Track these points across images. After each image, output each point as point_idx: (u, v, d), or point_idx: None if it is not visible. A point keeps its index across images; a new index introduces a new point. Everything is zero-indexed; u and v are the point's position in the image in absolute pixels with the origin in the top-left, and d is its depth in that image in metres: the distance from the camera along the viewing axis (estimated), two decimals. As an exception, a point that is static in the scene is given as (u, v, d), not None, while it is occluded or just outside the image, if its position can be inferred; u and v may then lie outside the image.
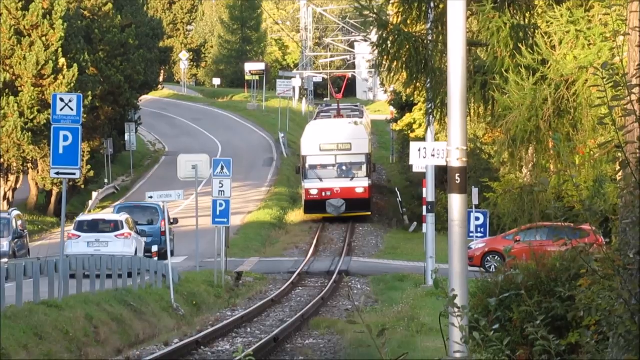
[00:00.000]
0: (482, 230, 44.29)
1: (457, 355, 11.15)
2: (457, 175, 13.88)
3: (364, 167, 57.45)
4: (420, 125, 66.08)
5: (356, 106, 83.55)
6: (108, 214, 50.25)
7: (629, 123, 7.58)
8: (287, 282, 39.45)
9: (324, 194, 57.17)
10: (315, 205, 58.62)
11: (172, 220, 44.50)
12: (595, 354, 6.38)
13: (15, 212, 45.69)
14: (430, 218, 39.83)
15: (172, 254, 38.98)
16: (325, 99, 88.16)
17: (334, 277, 39.20)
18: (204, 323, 26.54)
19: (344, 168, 58.74)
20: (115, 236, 41.76)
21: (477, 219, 43.59)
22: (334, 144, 58.97)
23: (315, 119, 77.10)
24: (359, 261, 49.87)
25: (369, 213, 58.43)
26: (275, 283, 41.80)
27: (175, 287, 33.39)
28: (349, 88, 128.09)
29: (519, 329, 13.71)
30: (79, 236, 38.80)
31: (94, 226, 43.34)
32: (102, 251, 38.85)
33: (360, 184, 56.94)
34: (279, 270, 45.39)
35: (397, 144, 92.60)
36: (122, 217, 43.90)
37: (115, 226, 42.50)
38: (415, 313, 28.30)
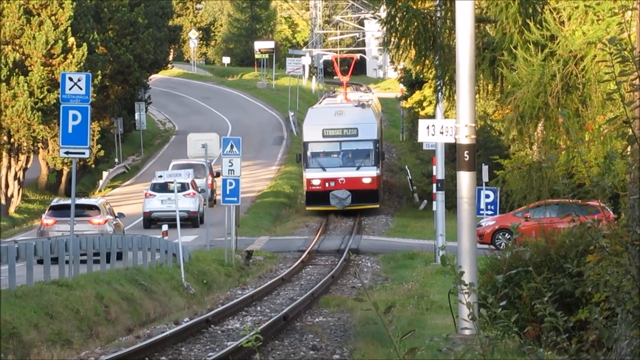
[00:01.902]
0: (493, 207, 44.03)
1: (466, 332, 11.18)
2: (465, 152, 13.87)
3: (372, 154, 51.54)
4: (430, 103, 65.24)
5: (361, 85, 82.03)
6: (180, 176, 51.71)
7: (637, 98, 7.54)
8: (297, 260, 39.41)
9: (327, 184, 51.59)
10: (317, 197, 53.15)
11: (215, 174, 54.81)
12: (603, 330, 6.34)
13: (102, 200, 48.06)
14: (440, 196, 39.67)
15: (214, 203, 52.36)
16: (334, 77, 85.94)
17: (344, 255, 39.17)
18: (214, 302, 26.56)
19: (350, 156, 52.89)
20: (184, 195, 49.17)
21: (488, 196, 43.33)
22: (338, 129, 53.25)
23: (320, 102, 72.54)
24: (369, 239, 49.76)
25: (378, 205, 53.46)
26: (285, 261, 41.77)
27: (185, 266, 33.44)
28: (359, 66, 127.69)
29: (528, 306, 13.70)
30: (154, 195, 41.19)
31: (165, 187, 50.06)
32: (173, 207, 43.82)
33: (367, 173, 51.40)
34: (289, 249, 45.35)
35: (407, 121, 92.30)
36: (189, 179, 50.80)
37: (183, 187, 48.74)
38: (425, 291, 28.30)
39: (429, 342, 8.07)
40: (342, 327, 19.20)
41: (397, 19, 24.22)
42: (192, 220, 50.55)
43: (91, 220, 40.58)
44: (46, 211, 44.27)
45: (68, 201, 47.52)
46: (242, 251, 43.18)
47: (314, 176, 51.28)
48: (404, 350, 6.37)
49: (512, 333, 10.42)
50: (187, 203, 50.15)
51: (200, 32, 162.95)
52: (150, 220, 50.19)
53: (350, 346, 14.82)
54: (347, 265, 37.27)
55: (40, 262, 25.60)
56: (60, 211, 41.30)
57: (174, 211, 41.72)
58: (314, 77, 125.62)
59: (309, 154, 51.42)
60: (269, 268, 40.09)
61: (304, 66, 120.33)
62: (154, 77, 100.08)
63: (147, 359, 12.48)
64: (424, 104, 70.89)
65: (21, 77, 61.42)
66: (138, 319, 24.73)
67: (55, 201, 47.67)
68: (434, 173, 40.82)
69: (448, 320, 14.46)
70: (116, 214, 43.88)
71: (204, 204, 50.92)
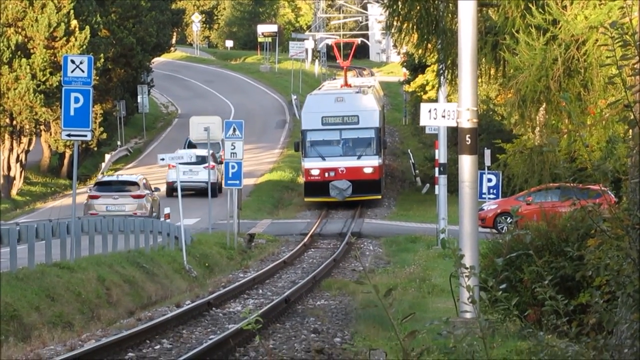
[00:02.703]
0: (495, 191, 44.00)
1: (467, 315, 11.19)
2: (467, 136, 13.88)
3: (374, 143, 48.62)
4: (433, 87, 64.92)
5: (364, 69, 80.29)
6: (198, 150, 55.19)
7: (638, 82, 7.52)
8: (299, 243, 39.39)
9: (326, 174, 48.43)
10: (316, 187, 50.11)
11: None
12: (603, 313, 6.35)
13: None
14: (443, 179, 39.65)
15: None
16: (337, 61, 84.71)
17: (346, 238, 39.15)
18: (216, 284, 26.54)
19: (350, 145, 49.92)
20: (204, 167, 52.88)
21: (490, 180, 43.29)
22: (338, 117, 50.04)
23: (320, 88, 69.70)
24: (371, 223, 49.69)
25: (380, 196, 51.04)
26: (287, 245, 41.78)
27: (187, 248, 33.46)
28: (362, 50, 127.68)
29: (529, 290, 13.71)
30: (176, 166, 42.12)
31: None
32: (194, 178, 53.78)
33: (369, 162, 48.40)
34: (291, 232, 45.35)
35: (409, 105, 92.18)
36: (209, 153, 51.70)
37: (203, 160, 52.55)
38: (426, 274, 28.30)
39: (429, 326, 8.07)
40: (344, 310, 19.21)
41: (399, 3, 24.15)
42: (211, 190, 50.80)
43: (132, 195, 45.37)
44: (91, 187, 50.17)
45: (112, 178, 53.21)
46: (245, 234, 43.18)
47: (312, 166, 48.63)
48: (405, 333, 6.38)
49: (512, 316, 10.44)
50: (206, 175, 50.87)
51: (203, 15, 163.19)
52: (173, 189, 50.59)
53: (352, 329, 14.84)
54: (349, 249, 37.26)
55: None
56: (104, 187, 47.52)
57: (194, 182, 50.60)
58: (316, 60, 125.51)
59: (307, 142, 48.57)
60: (271, 251, 40.11)
61: (306, 50, 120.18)
62: (156, 60, 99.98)
63: (148, 341, 12.50)
64: (427, 88, 70.71)
65: (23, 60, 61.36)
66: (139, 302, 24.74)
67: (100, 177, 55.45)
68: (437, 157, 40.82)
69: (449, 303, 14.47)
70: (152, 188, 48.23)
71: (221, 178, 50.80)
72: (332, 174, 45.35)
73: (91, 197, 46.13)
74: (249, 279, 27.58)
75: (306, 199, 48.96)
